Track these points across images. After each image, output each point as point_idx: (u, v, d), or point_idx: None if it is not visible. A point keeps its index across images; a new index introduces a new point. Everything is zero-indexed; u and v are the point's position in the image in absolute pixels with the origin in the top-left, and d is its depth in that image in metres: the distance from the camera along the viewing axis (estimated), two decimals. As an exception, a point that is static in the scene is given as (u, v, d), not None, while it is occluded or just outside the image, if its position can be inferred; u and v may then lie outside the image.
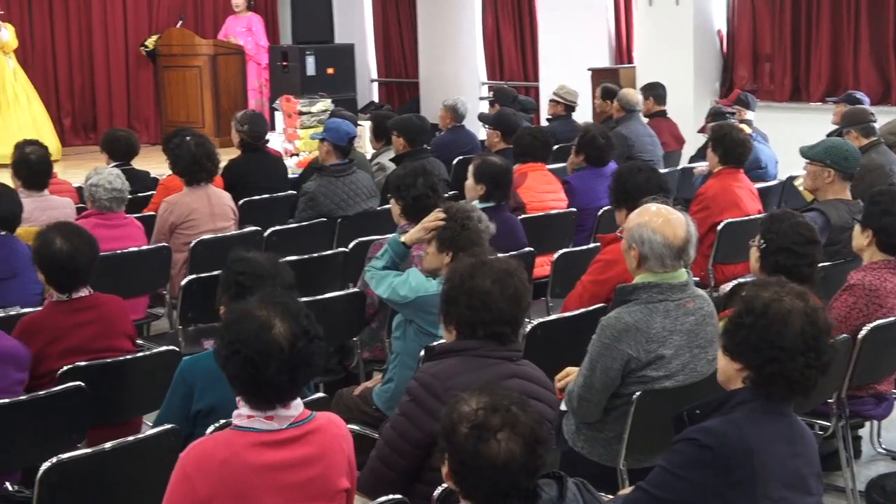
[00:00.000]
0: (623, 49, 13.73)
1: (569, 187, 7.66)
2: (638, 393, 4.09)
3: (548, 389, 3.78)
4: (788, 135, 9.84)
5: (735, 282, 5.63)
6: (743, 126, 8.29)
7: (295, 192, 8.16)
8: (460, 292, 3.65)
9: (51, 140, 12.92)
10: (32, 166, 6.99)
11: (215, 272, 5.95)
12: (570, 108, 10.86)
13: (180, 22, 15.13)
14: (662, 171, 7.25)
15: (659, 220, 4.19)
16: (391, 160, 8.44)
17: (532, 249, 6.35)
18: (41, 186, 7.00)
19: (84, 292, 4.78)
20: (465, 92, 13.46)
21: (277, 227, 7.25)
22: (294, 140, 12.30)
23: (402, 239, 5.07)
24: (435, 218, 4.89)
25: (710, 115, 9.52)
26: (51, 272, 4.74)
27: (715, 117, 9.20)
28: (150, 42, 15.01)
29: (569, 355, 4.58)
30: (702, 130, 9.36)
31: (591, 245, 6.67)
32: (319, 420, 3.25)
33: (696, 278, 4.69)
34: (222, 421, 3.65)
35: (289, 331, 3.11)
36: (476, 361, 3.59)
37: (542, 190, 7.49)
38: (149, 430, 4.12)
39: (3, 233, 5.71)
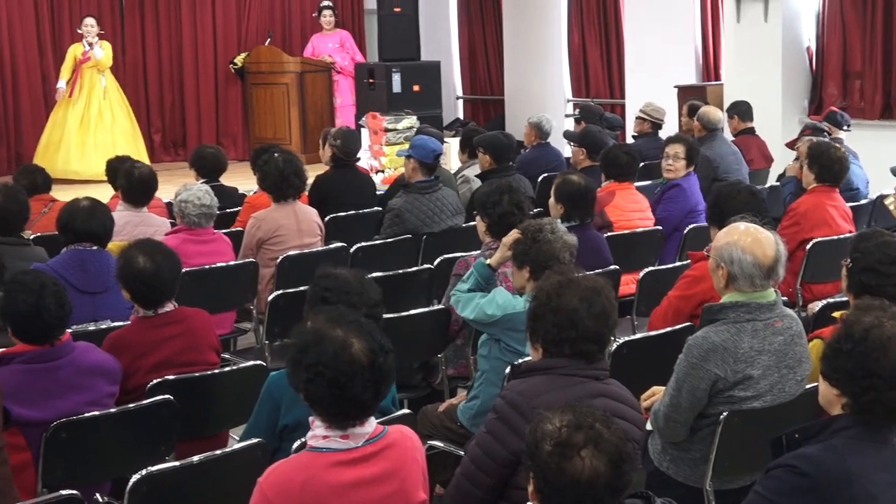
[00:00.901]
0: (710, 66, 13.63)
1: (679, 189, 7.63)
2: (725, 413, 4.05)
3: (634, 409, 3.75)
4: (878, 153, 9.70)
5: (825, 302, 5.54)
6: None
7: (381, 208, 8.19)
8: (547, 310, 3.64)
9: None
10: (133, 182, 7.12)
11: (302, 288, 5.99)
12: (657, 125, 10.80)
13: (268, 40, 15.28)
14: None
15: (748, 238, 4.14)
16: (477, 177, 8.45)
17: (617, 267, 6.32)
18: (139, 203, 7.12)
19: (169, 307, 4.85)
20: (551, 109, 13.44)
21: (363, 244, 7.28)
22: (380, 157, 12.35)
23: (488, 261, 5.07)
24: (513, 235, 4.91)
25: (807, 128, 9.38)
26: (135, 289, 4.81)
27: (814, 132, 9.07)
28: (239, 59, 15.17)
29: (655, 374, 4.55)
30: (791, 144, 9.22)
31: (678, 263, 6.62)
32: (392, 435, 3.26)
33: (784, 297, 4.64)
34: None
35: (367, 347, 3.13)
36: (562, 380, 3.57)
37: (630, 209, 7.45)
38: (235, 443, 4.16)
39: (94, 248, 5.79)
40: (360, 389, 3.10)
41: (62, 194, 8.16)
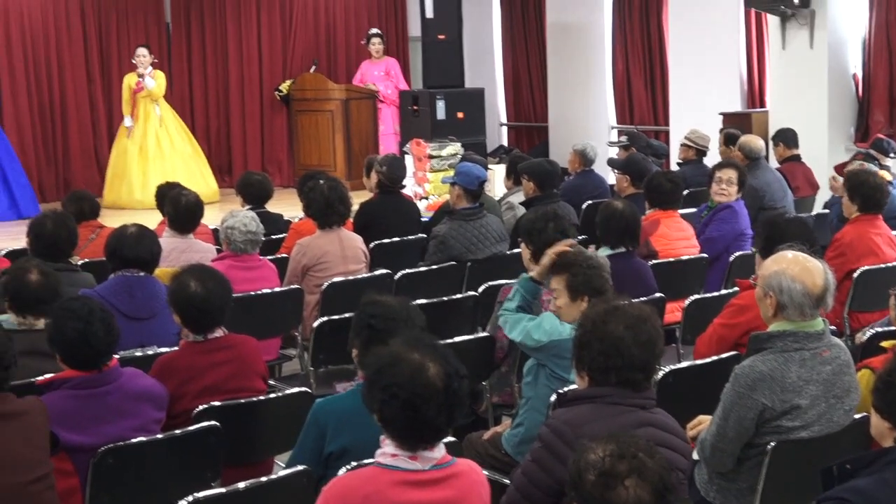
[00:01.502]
0: (755, 93, 13.58)
1: (731, 211, 7.62)
2: (773, 443, 4.02)
3: (680, 438, 3.73)
4: (926, 181, 9.60)
5: (873, 331, 5.50)
6: (883, 173, 8.12)
7: (425, 235, 8.21)
8: (593, 337, 3.64)
9: (196, 187, 13.19)
10: (179, 209, 7.16)
11: (347, 314, 6.01)
12: (702, 152, 10.75)
13: (313, 67, 15.37)
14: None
15: (797, 267, 4.12)
16: (521, 204, 8.45)
17: (662, 295, 6.29)
18: (185, 230, 7.16)
19: (218, 333, 4.87)
20: (595, 136, 13.43)
21: (408, 271, 7.29)
22: (424, 183, 12.38)
23: (531, 273, 5.07)
24: (557, 248, 4.91)
25: (859, 153, 9.29)
26: (186, 314, 4.85)
27: (866, 157, 9.01)
28: (285, 87, 15.26)
29: (701, 403, 4.52)
30: (839, 168, 9.16)
31: (724, 291, 6.59)
32: (460, 465, 3.28)
33: (832, 326, 4.60)
34: (354, 463, 3.68)
35: (442, 371, 3.16)
36: (608, 409, 3.57)
37: (675, 237, 7.42)
38: (281, 470, 4.17)
39: (141, 274, 5.83)
40: (434, 413, 3.14)
41: (110, 221, 8.23)
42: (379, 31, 15.29)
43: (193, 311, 4.82)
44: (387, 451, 3.22)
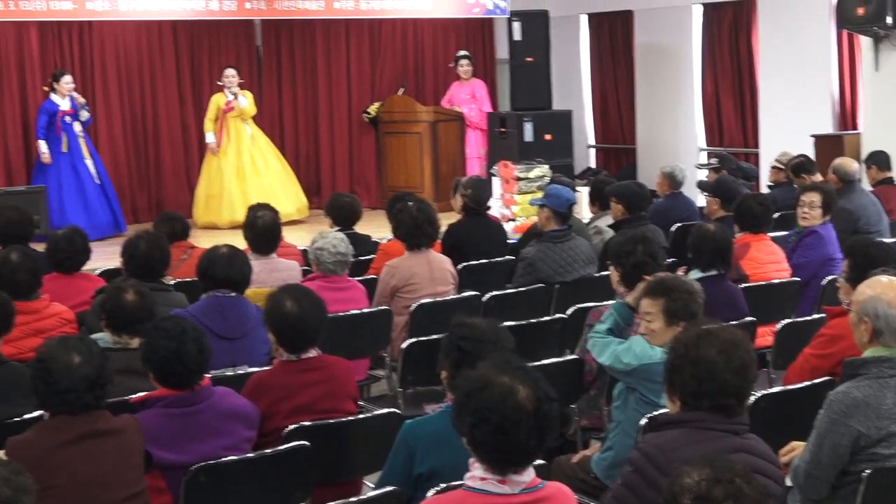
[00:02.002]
0: (847, 115, 13.40)
1: (816, 237, 7.53)
2: (868, 471, 3.95)
3: (774, 464, 3.68)
4: None
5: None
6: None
7: (513, 257, 8.21)
8: (685, 362, 3.61)
9: (290, 203, 13.39)
10: (258, 231, 7.21)
11: (435, 336, 6.03)
12: (793, 174, 10.62)
13: (402, 89, 15.46)
14: (889, 240, 7.04)
15: (892, 293, 4.06)
16: (609, 226, 8.41)
17: (754, 319, 6.23)
18: (266, 251, 7.21)
19: (312, 353, 4.91)
20: (683, 158, 13.33)
21: (496, 293, 7.29)
22: (511, 205, 12.39)
23: (628, 299, 5.04)
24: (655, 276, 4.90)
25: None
26: (281, 333, 4.89)
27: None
28: (373, 109, 15.36)
29: (793, 429, 4.47)
30: None
31: (816, 316, 6.50)
32: (550, 488, 3.27)
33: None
34: (443, 485, 3.68)
35: (532, 395, 3.15)
36: (700, 434, 3.53)
37: (766, 261, 7.34)
38: (370, 491, 4.19)
39: (232, 294, 5.89)
40: (524, 436, 3.12)
41: (201, 241, 8.33)
42: (467, 53, 15.34)
43: (288, 330, 4.86)
44: (476, 474, 3.21)
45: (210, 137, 13.59)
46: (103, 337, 5.16)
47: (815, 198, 7.74)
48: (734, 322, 5.67)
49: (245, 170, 13.55)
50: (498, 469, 3.18)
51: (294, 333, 4.86)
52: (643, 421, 4.48)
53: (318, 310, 4.93)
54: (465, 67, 15.14)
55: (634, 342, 4.82)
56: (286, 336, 4.88)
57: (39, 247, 7.66)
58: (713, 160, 11.55)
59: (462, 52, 15.32)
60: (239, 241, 7.01)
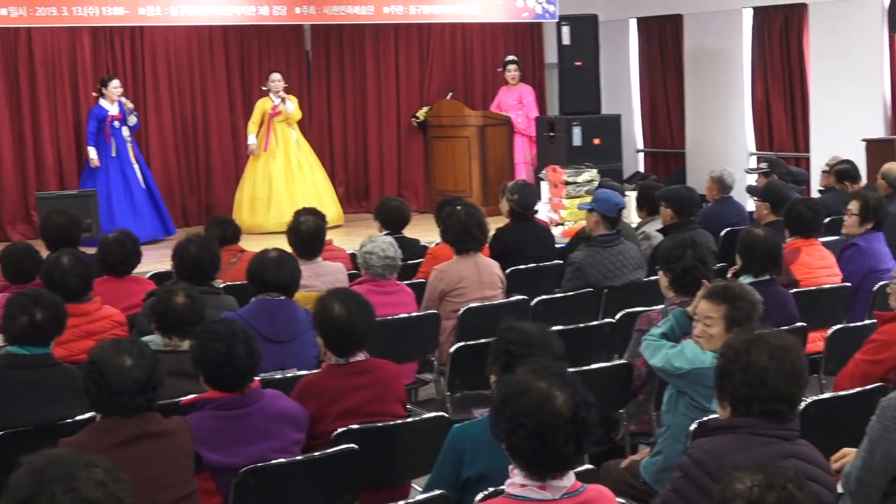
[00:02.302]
0: (900, 119, 13.29)
1: (855, 249, 7.46)
2: (921, 478, 3.91)
3: (825, 471, 3.65)
4: None
5: None
6: None
7: (562, 261, 8.19)
8: (736, 367, 3.58)
9: (332, 207, 13.43)
10: (302, 236, 7.24)
11: (483, 340, 6.04)
12: (844, 179, 10.53)
13: (450, 94, 15.47)
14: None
15: (945, 298, 4.02)
16: (658, 231, 8.38)
17: (805, 325, 6.18)
18: (311, 255, 7.23)
19: (360, 357, 4.92)
20: (733, 162, 13.24)
21: (544, 297, 7.28)
22: (559, 209, 12.37)
23: (689, 309, 5.02)
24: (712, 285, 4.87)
25: None
26: (329, 336, 4.90)
27: None
28: (421, 113, 15.38)
29: (845, 435, 4.42)
30: None
31: (867, 322, 6.44)
32: (591, 492, 3.24)
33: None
34: (491, 489, 3.68)
35: (570, 400, 3.13)
36: (751, 439, 3.50)
37: (817, 266, 7.27)
38: (417, 494, 4.19)
39: (282, 297, 5.92)
40: (561, 442, 3.11)
41: (248, 245, 8.38)
42: (515, 58, 15.33)
43: (336, 334, 4.88)
44: (516, 480, 3.20)
45: (252, 139, 13.67)
46: (154, 339, 5.20)
47: (853, 205, 7.68)
48: (785, 327, 5.63)
49: (293, 174, 13.62)
50: (537, 475, 3.16)
51: (342, 337, 4.87)
52: (693, 426, 4.46)
53: (367, 313, 4.95)
54: (512, 73, 15.14)
55: (686, 346, 4.80)
56: (334, 339, 4.89)
57: (90, 250, 7.74)
58: (763, 164, 11.48)
59: (510, 57, 15.32)
60: (286, 245, 7.04)
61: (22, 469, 2.57)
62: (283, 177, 13.59)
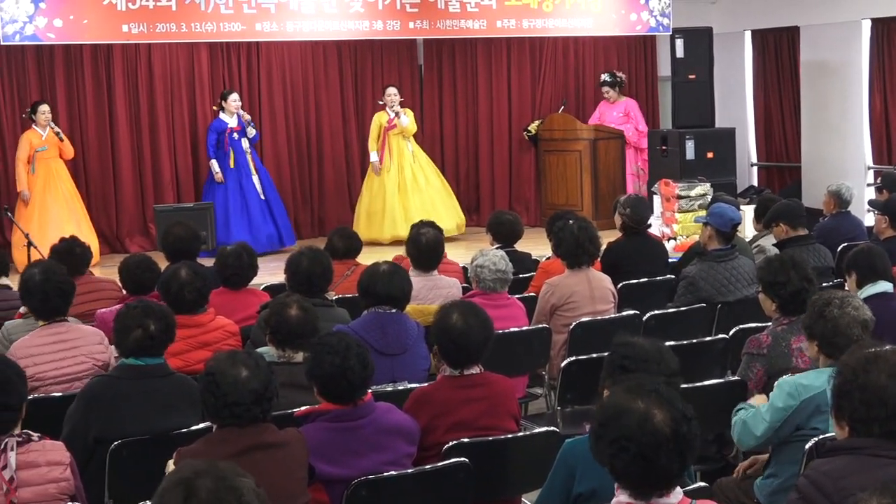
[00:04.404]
0: None
1: None
2: None
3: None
4: None
5: None
6: None
7: (674, 276, 8.12)
8: (853, 387, 3.50)
9: (449, 219, 13.49)
10: (421, 247, 7.29)
11: (594, 355, 6.02)
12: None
13: (562, 107, 15.45)
14: None
15: None
16: (774, 245, 8.27)
17: (925, 342, 6.04)
18: (428, 267, 7.28)
19: (475, 370, 4.93)
20: (850, 177, 13.00)
21: (656, 312, 7.23)
22: (672, 224, 12.26)
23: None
24: None
25: None
26: (444, 346, 4.92)
27: None
28: (533, 127, 15.37)
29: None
30: None
31: None
32: (699, 507, 3.21)
33: None
34: (600, 506, 3.67)
35: (669, 417, 3.09)
36: (871, 461, 3.42)
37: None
38: (529, 509, 4.19)
39: (393, 311, 5.95)
40: (665, 460, 3.07)
41: (365, 258, 8.43)
42: (608, 79, 15.23)
43: (451, 345, 4.89)
44: (621, 499, 3.17)
45: (374, 157, 13.80)
46: (268, 351, 5.27)
47: None
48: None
49: (407, 186, 13.71)
50: (642, 495, 3.13)
51: (456, 348, 4.88)
52: (809, 445, 4.38)
53: (485, 328, 4.95)
54: (610, 92, 15.10)
55: (781, 385, 4.69)
56: (449, 350, 4.91)
57: (207, 262, 7.86)
58: (881, 179, 11.25)
59: (604, 78, 15.26)
60: (381, 257, 7.08)
61: (184, 479, 2.59)
62: (397, 190, 13.69)
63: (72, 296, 6.09)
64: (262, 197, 13.20)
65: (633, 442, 3.08)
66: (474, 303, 5.34)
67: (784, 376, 4.77)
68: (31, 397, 5.02)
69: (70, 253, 7.57)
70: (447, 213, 13.68)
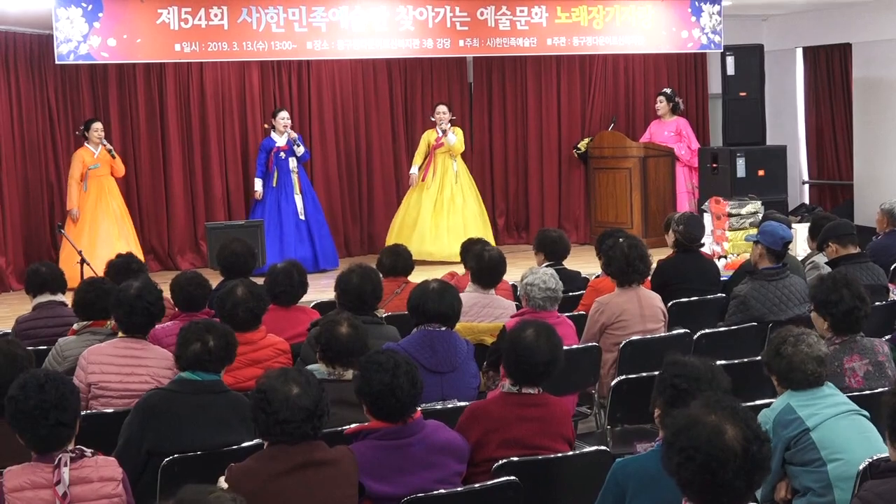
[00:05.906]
0: None
1: None
2: None
3: None
4: None
5: None
6: None
7: (725, 294, 8.07)
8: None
9: None
10: (484, 263, 7.34)
11: (644, 374, 5.99)
12: None
13: (612, 125, 15.42)
14: None
15: None
16: (827, 264, 8.21)
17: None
18: (487, 285, 7.31)
19: (533, 390, 4.92)
20: (904, 194, 12.90)
21: (707, 330, 7.19)
22: (722, 242, 12.19)
23: None
24: None
25: None
26: (510, 360, 4.92)
27: None
28: (583, 144, 15.35)
29: None
30: None
31: None
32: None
33: None
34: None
35: (741, 435, 3.09)
36: (925, 482, 3.41)
37: None
38: (580, 529, 4.17)
39: (443, 328, 5.95)
40: (731, 476, 3.07)
41: (413, 276, 8.45)
42: (668, 92, 15.18)
43: (516, 359, 4.89)
44: None
45: (414, 169, 13.86)
46: (318, 368, 5.28)
47: None
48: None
49: (444, 205, 13.71)
50: None
51: (520, 362, 4.87)
52: (863, 465, 4.34)
53: (553, 351, 4.92)
54: (662, 108, 15.02)
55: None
56: (512, 364, 4.90)
57: (258, 279, 7.90)
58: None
59: (664, 90, 15.20)
60: (435, 272, 7.07)
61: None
62: (433, 207, 13.70)
63: (158, 319, 6.17)
64: (303, 217, 13.21)
65: (700, 453, 3.08)
66: (552, 325, 5.28)
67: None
68: (86, 412, 5.07)
69: (127, 269, 7.63)
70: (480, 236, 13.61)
